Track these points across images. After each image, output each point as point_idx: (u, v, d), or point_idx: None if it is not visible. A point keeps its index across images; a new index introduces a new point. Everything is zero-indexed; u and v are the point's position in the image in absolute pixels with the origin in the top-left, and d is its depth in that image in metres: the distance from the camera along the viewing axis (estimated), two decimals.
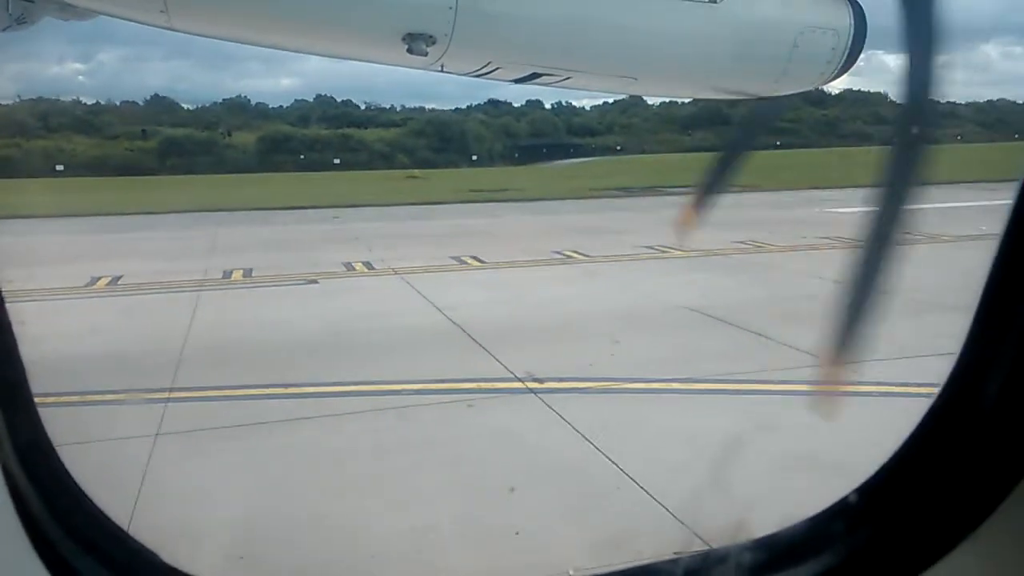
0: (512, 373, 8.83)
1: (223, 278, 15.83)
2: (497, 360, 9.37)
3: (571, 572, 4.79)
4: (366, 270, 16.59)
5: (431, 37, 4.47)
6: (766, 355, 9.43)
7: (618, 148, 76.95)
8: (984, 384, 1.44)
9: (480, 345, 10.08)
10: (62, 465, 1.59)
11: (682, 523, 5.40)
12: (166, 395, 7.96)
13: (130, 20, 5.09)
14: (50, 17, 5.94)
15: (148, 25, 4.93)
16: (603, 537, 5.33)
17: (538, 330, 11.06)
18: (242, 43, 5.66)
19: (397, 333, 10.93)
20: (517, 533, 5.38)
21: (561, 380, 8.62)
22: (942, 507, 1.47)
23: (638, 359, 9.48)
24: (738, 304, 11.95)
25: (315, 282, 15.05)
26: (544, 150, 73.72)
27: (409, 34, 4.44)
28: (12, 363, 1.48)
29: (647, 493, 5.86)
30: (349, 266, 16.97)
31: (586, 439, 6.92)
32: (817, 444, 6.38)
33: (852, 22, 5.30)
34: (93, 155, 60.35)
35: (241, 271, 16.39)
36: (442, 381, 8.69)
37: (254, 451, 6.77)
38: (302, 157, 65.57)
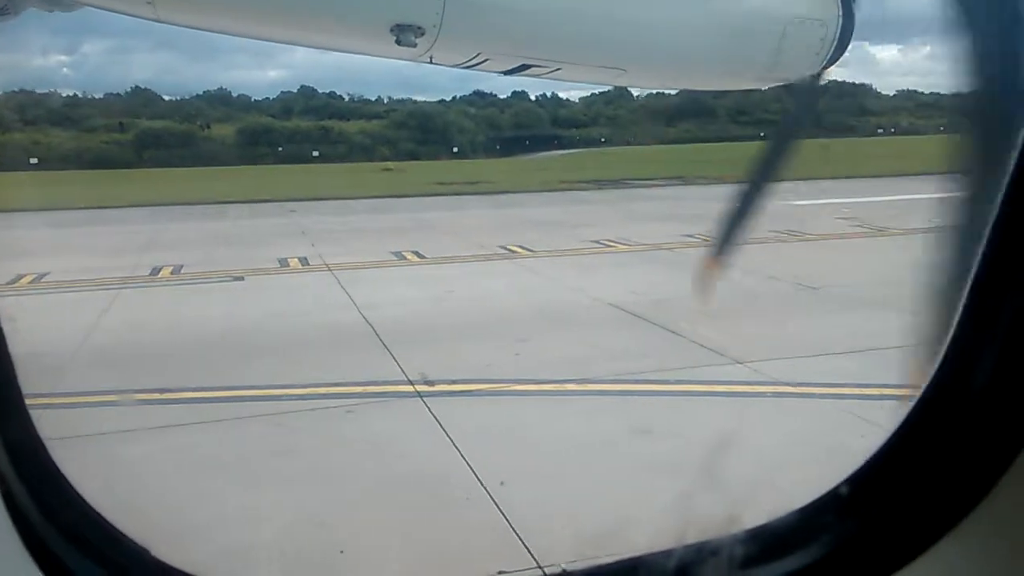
0: (405, 376, 8.51)
1: (150, 275, 15.44)
2: (396, 362, 9.04)
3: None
4: (300, 266, 16.23)
5: (420, 28, 4.34)
6: (672, 354, 9.15)
7: (602, 140, 76.47)
8: (969, 377, 1.42)
9: (384, 346, 9.75)
10: (53, 463, 1.57)
11: (521, 540, 5.10)
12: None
13: (116, 11, 4.95)
14: (34, 8, 5.71)
15: (134, 16, 4.78)
16: (432, 558, 5.04)
17: (451, 329, 10.74)
18: (228, 35, 5.53)
19: (304, 334, 10.60)
20: (342, 552, 5.08)
21: (453, 383, 8.30)
22: (928, 499, 1.47)
23: (541, 359, 9.18)
24: (663, 300, 11.68)
25: (241, 279, 14.67)
26: (527, 142, 73.19)
27: (397, 25, 4.32)
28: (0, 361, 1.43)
29: (496, 506, 5.56)
30: (283, 262, 16.59)
31: (454, 446, 6.62)
32: (694, 448, 6.13)
33: (840, 13, 5.25)
34: (69, 148, 59.55)
35: (171, 268, 16.00)
36: (329, 385, 8.36)
37: (99, 463, 6.41)
38: (280, 149, 64.90)
